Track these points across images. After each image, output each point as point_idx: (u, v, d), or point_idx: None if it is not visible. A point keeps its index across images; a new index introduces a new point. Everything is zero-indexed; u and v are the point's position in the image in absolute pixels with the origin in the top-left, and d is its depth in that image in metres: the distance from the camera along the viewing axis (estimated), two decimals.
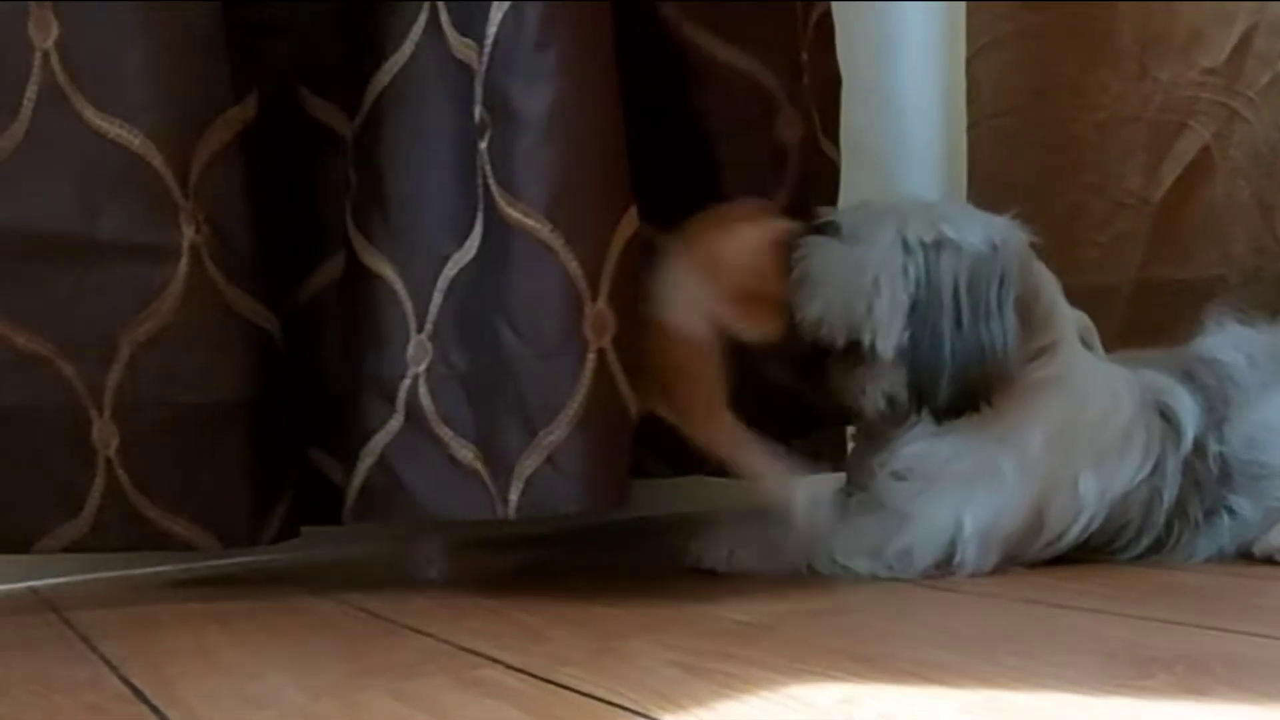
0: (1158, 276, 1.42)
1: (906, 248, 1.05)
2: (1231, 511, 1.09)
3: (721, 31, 1.10)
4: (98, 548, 1.09)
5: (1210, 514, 1.10)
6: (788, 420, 1.13)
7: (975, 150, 1.60)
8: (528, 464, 0.95)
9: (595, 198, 0.96)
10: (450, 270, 1.03)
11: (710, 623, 0.90)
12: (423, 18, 1.04)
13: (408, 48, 1.05)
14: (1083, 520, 1.07)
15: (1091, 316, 1.15)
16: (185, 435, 1.07)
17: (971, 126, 1.60)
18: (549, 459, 0.94)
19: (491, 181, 0.97)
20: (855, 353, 1.07)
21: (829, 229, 1.10)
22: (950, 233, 1.05)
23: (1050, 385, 1.07)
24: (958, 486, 1.06)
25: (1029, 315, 1.07)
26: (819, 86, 1.21)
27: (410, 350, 1.04)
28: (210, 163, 1.05)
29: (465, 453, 1.01)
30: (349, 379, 1.09)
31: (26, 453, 1.06)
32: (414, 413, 1.03)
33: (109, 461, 1.06)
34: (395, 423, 1.05)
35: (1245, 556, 1.08)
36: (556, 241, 0.94)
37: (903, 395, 1.07)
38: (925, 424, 1.07)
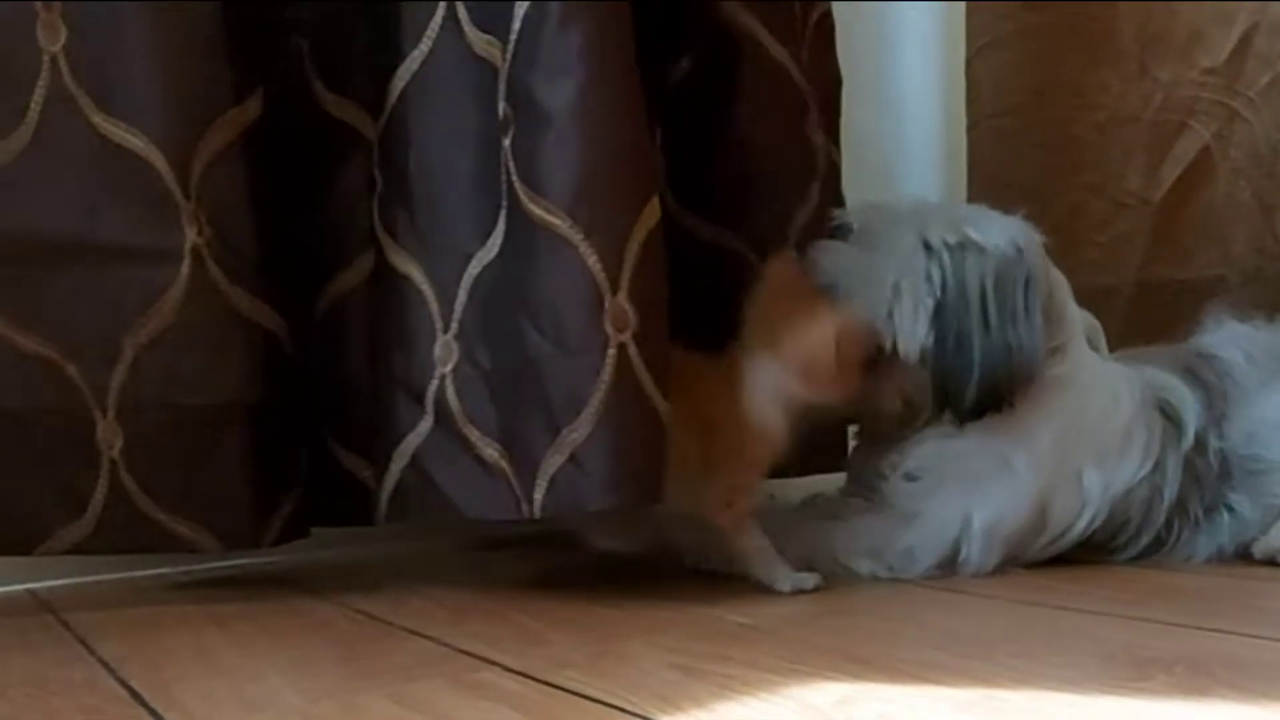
0: (1158, 277, 1.42)
1: (929, 250, 1.05)
2: (1231, 509, 1.10)
3: (772, 28, 1.12)
4: (100, 550, 1.08)
5: (1210, 511, 1.10)
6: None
7: (975, 150, 1.60)
8: (552, 462, 0.95)
9: (616, 190, 0.95)
10: (474, 269, 1.03)
11: (709, 624, 0.90)
12: (439, 15, 1.04)
13: (425, 45, 1.05)
14: (1085, 517, 1.08)
15: (1094, 318, 1.15)
16: (187, 436, 1.07)
17: (971, 127, 1.60)
18: (572, 457, 0.94)
19: (515, 178, 0.97)
20: (875, 355, 1.07)
21: (840, 231, 1.10)
22: (974, 234, 1.06)
23: (1060, 385, 1.08)
24: (969, 484, 1.06)
25: (1045, 316, 1.07)
26: (819, 86, 1.22)
27: (437, 350, 1.04)
28: (212, 163, 1.05)
29: (491, 452, 1.01)
30: (377, 380, 1.09)
31: (30, 454, 1.06)
32: (442, 413, 1.03)
33: (113, 463, 1.06)
34: (425, 424, 1.05)
35: (1244, 557, 1.08)
36: (576, 236, 0.94)
37: (923, 397, 1.07)
38: (937, 424, 1.07)
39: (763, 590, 1.00)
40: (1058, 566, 1.08)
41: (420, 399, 1.05)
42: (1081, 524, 1.08)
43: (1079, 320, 1.12)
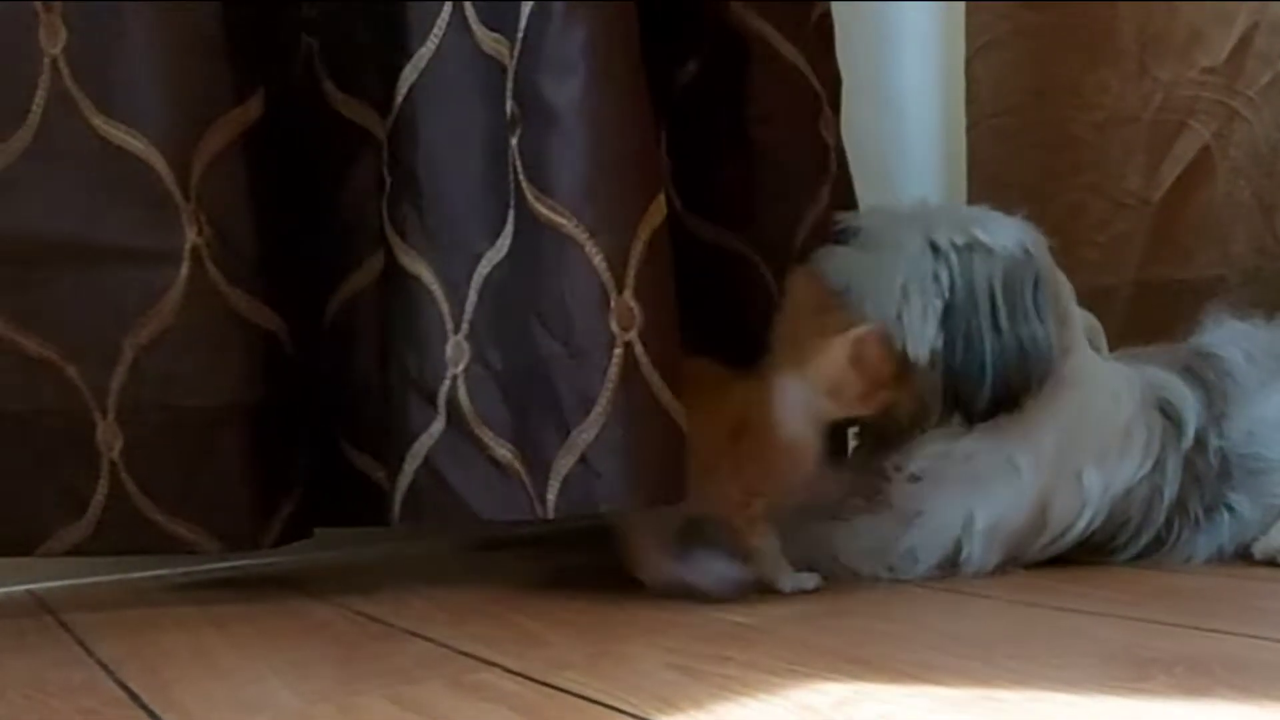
0: (1158, 277, 1.42)
1: (937, 251, 1.05)
2: (1231, 509, 1.10)
3: (782, 28, 1.12)
4: (100, 551, 1.09)
5: (1210, 510, 1.10)
6: None
7: (975, 150, 1.59)
8: (563, 463, 0.95)
9: (621, 188, 0.95)
10: (484, 268, 1.02)
11: (708, 625, 0.90)
12: (445, 14, 1.04)
13: (432, 43, 1.05)
14: (1085, 517, 1.08)
15: (1094, 318, 1.15)
16: (186, 437, 1.07)
17: (971, 126, 1.60)
18: (583, 458, 0.94)
19: (522, 177, 0.97)
20: (901, 366, 1.06)
21: (844, 235, 1.10)
22: (982, 236, 1.06)
23: (1063, 385, 1.07)
24: (972, 485, 1.06)
25: (1054, 317, 1.07)
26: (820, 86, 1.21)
27: (448, 351, 1.04)
28: (212, 164, 1.05)
29: (504, 452, 1.01)
30: (389, 381, 1.09)
31: (30, 456, 1.06)
32: (454, 414, 1.03)
33: (113, 464, 1.06)
34: (438, 425, 1.04)
35: (1244, 557, 1.08)
36: (582, 235, 0.93)
37: (933, 399, 1.06)
38: (944, 426, 1.07)
39: (762, 590, 1.00)
40: (1057, 567, 1.08)
41: (432, 400, 1.05)
42: (1082, 524, 1.08)
43: (1079, 321, 1.12)
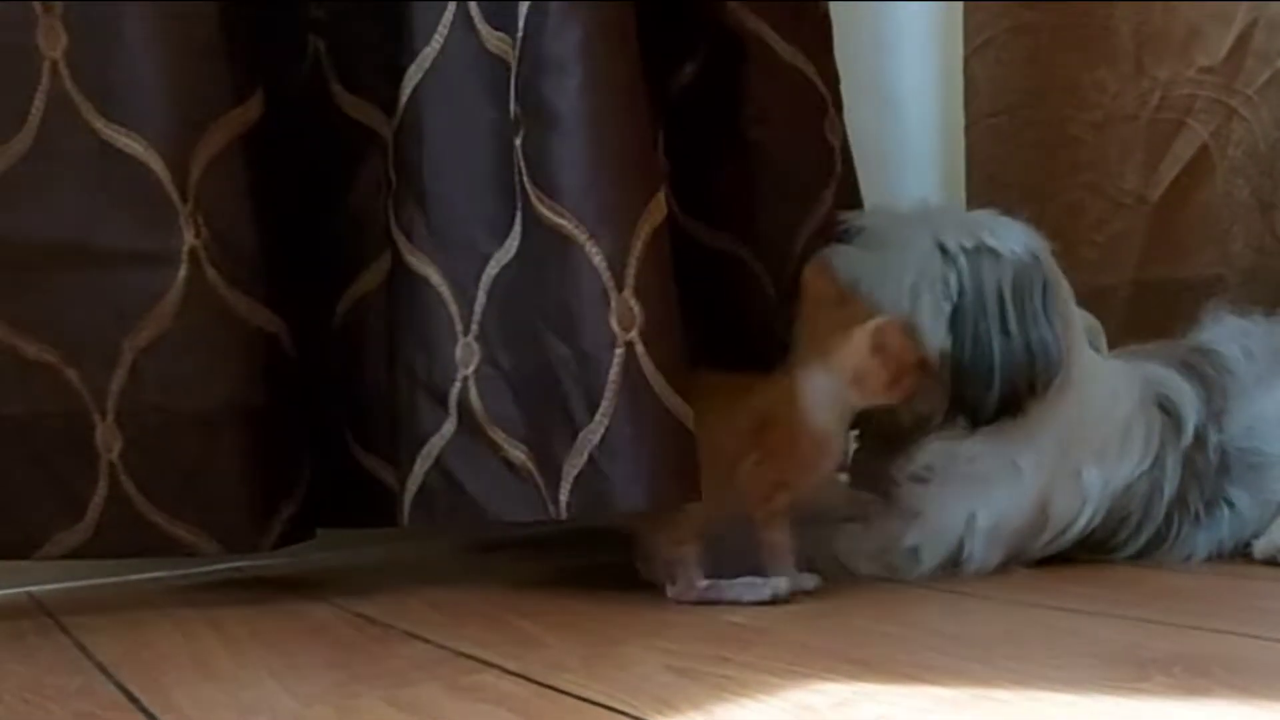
0: (1156, 276, 1.42)
1: (945, 254, 1.05)
2: (1230, 504, 1.10)
3: (781, 28, 1.11)
4: (100, 553, 1.09)
5: (1210, 506, 1.10)
6: None
7: (973, 150, 1.59)
8: (573, 465, 0.95)
9: (621, 187, 0.95)
10: (492, 269, 1.02)
11: (706, 626, 0.90)
12: (450, 13, 1.03)
13: (436, 43, 1.04)
14: (1086, 514, 1.08)
15: (1093, 317, 1.15)
16: (185, 440, 1.06)
17: (969, 126, 1.60)
18: (591, 459, 0.94)
19: (525, 178, 0.97)
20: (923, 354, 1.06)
21: (848, 234, 1.10)
22: (990, 240, 1.06)
23: (1064, 385, 1.07)
24: (974, 485, 1.06)
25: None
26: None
27: (458, 352, 1.04)
28: (211, 165, 1.05)
29: (517, 454, 1.00)
30: (398, 382, 1.08)
31: (29, 458, 1.06)
32: (466, 415, 1.03)
33: (112, 466, 1.06)
34: (449, 426, 1.04)
35: (1244, 555, 1.08)
36: (582, 235, 0.93)
37: (939, 401, 1.06)
38: (948, 428, 1.07)
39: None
40: (1057, 566, 1.08)
41: (443, 401, 1.04)
42: (1082, 521, 1.08)
43: (1079, 321, 1.12)
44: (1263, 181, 1.34)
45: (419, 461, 1.06)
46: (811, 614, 0.94)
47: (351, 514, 1.18)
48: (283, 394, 1.10)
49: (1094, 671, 0.72)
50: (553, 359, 0.96)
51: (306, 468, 1.13)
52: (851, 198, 1.24)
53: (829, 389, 0.98)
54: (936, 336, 1.04)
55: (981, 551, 1.05)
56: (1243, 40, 1.35)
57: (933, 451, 1.08)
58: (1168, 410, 1.10)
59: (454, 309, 1.04)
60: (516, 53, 0.98)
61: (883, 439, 1.12)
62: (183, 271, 1.04)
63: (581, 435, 0.94)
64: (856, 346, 0.98)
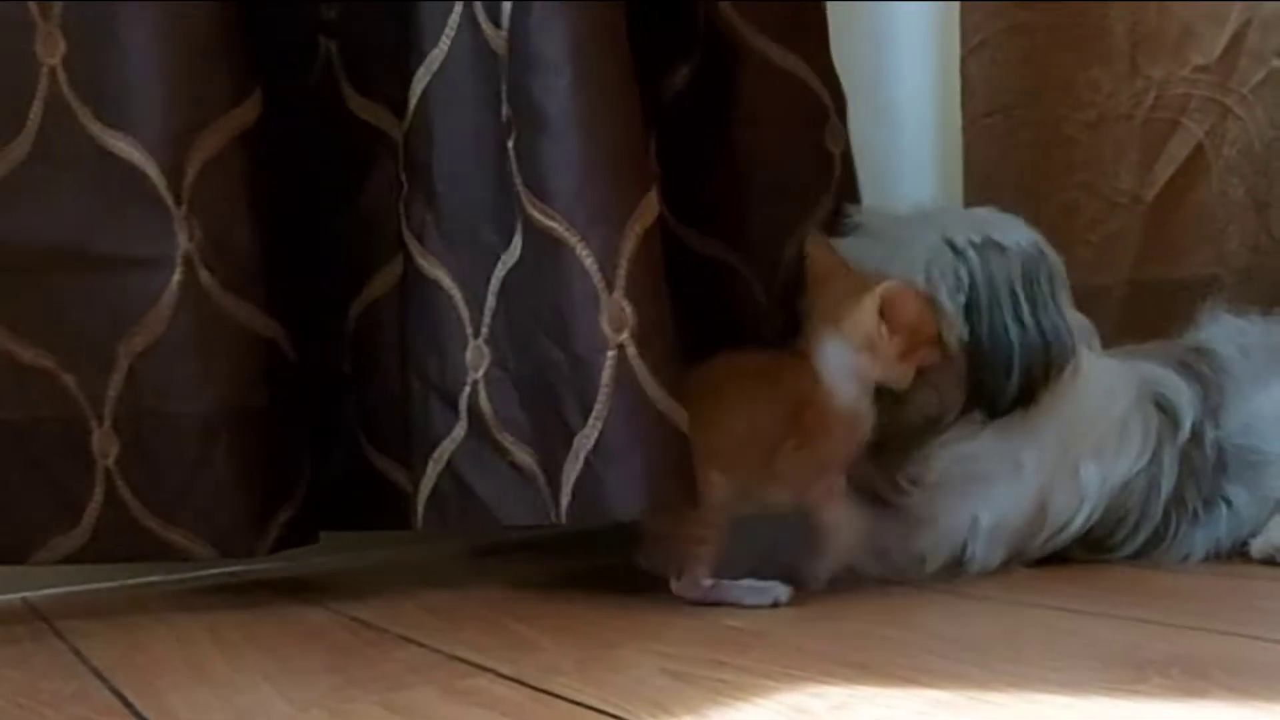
0: (1151, 276, 1.42)
1: (954, 249, 1.05)
2: (1228, 502, 1.10)
3: (773, 32, 1.12)
4: (96, 558, 1.09)
5: (1208, 504, 1.10)
6: None
7: (970, 150, 1.59)
8: (571, 469, 0.95)
9: (610, 187, 0.95)
10: (500, 271, 1.02)
11: (703, 629, 0.90)
12: (456, 14, 1.03)
13: (444, 44, 1.04)
14: (1084, 511, 1.08)
15: (1085, 317, 1.15)
16: (181, 444, 1.06)
17: (966, 126, 1.60)
18: (587, 464, 0.94)
19: (519, 181, 0.97)
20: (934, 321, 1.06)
21: (848, 231, 1.10)
22: (995, 234, 1.06)
23: (1072, 376, 1.07)
24: (977, 484, 1.06)
25: None
26: None
27: (468, 355, 1.03)
28: (206, 168, 1.05)
29: (524, 457, 1.00)
30: (410, 385, 1.08)
31: (26, 464, 1.06)
32: (476, 419, 1.03)
33: (108, 471, 1.06)
34: (460, 430, 1.04)
35: (1241, 554, 1.08)
36: (573, 237, 0.93)
37: (952, 397, 1.06)
38: (955, 428, 1.07)
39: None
40: (1055, 567, 1.08)
41: (454, 405, 1.04)
42: (1081, 518, 1.08)
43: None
44: (1258, 180, 1.34)
45: (431, 464, 1.06)
46: (809, 617, 0.94)
47: (364, 516, 1.18)
48: (280, 397, 1.10)
49: (1092, 674, 0.72)
50: (548, 363, 0.96)
51: (305, 471, 1.13)
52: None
53: (846, 360, 0.98)
54: (953, 329, 1.04)
55: (984, 551, 1.06)
56: (1237, 39, 1.35)
57: (936, 453, 1.08)
58: (1164, 408, 1.11)
59: (464, 312, 1.04)
60: (506, 53, 0.97)
61: (888, 442, 1.12)
62: (177, 275, 1.04)
63: (577, 440, 0.94)
64: (866, 311, 0.97)
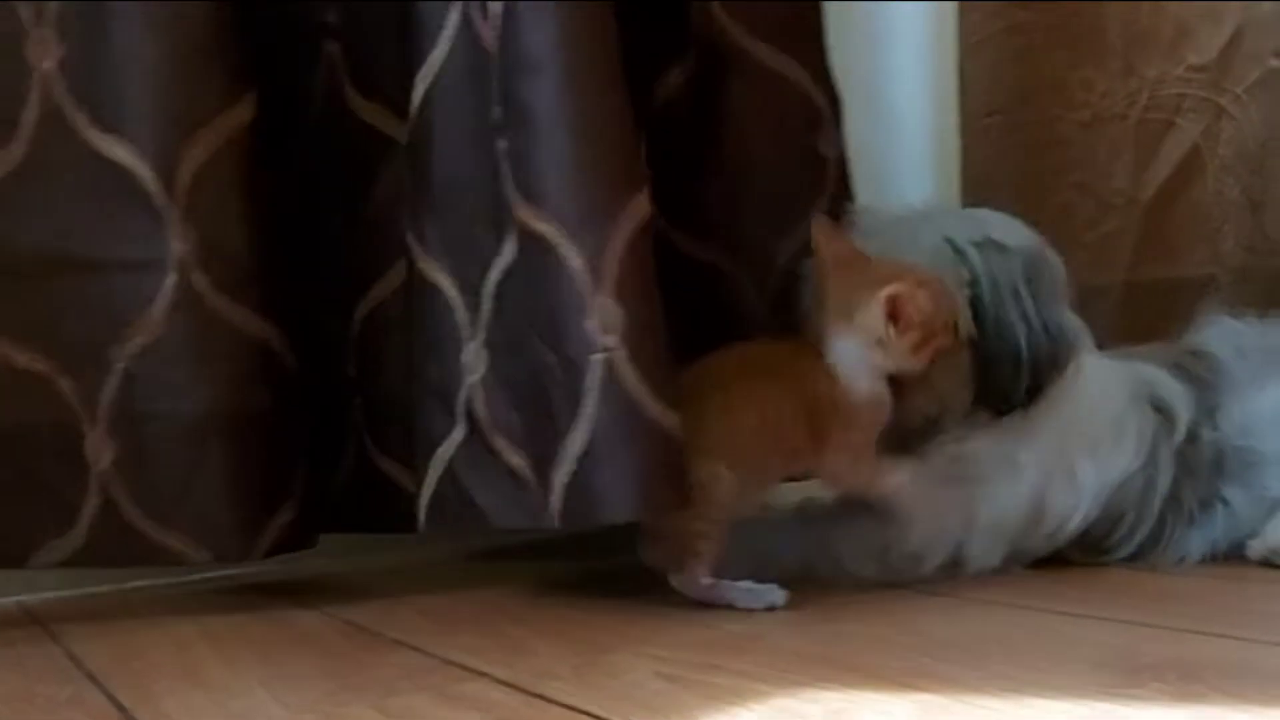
0: (1147, 276, 1.42)
1: (956, 249, 1.05)
2: (1225, 502, 1.10)
3: (770, 38, 1.11)
4: (91, 562, 1.08)
5: (1205, 504, 1.10)
6: None
7: (968, 151, 1.59)
8: (562, 474, 0.95)
9: (598, 186, 0.94)
10: (495, 274, 1.02)
11: (698, 633, 0.90)
12: (455, 15, 1.03)
13: (443, 46, 1.03)
14: (1081, 510, 1.08)
15: (1080, 318, 1.14)
16: (175, 448, 1.06)
17: (964, 127, 1.60)
18: (577, 468, 0.94)
19: (509, 181, 0.96)
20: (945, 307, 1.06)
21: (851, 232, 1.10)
22: (995, 234, 1.06)
23: (1074, 372, 1.07)
24: (975, 484, 1.06)
25: None
26: None
27: (466, 358, 1.03)
28: (200, 171, 1.05)
29: (518, 460, 1.00)
30: (412, 388, 1.08)
31: (20, 468, 1.06)
32: (472, 422, 1.02)
33: (103, 475, 1.06)
34: (458, 433, 1.03)
35: (1238, 556, 1.07)
36: (561, 239, 0.93)
37: (956, 398, 1.06)
38: (956, 427, 1.07)
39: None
40: (1052, 569, 1.08)
41: (452, 408, 1.04)
42: (1078, 517, 1.08)
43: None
44: (1253, 180, 1.34)
45: (432, 468, 1.06)
46: (804, 620, 0.93)
47: (371, 519, 1.18)
48: (277, 400, 1.10)
49: (1087, 677, 0.72)
50: (541, 365, 0.96)
51: (303, 475, 1.13)
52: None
53: (858, 356, 0.98)
54: (965, 321, 1.04)
55: (982, 551, 1.06)
56: (1233, 39, 1.35)
57: (935, 454, 1.07)
58: (1160, 408, 1.11)
59: (463, 315, 1.04)
60: (496, 53, 0.97)
61: (888, 442, 1.12)
62: (171, 278, 1.04)
63: (567, 442, 0.94)
64: (873, 315, 0.97)
